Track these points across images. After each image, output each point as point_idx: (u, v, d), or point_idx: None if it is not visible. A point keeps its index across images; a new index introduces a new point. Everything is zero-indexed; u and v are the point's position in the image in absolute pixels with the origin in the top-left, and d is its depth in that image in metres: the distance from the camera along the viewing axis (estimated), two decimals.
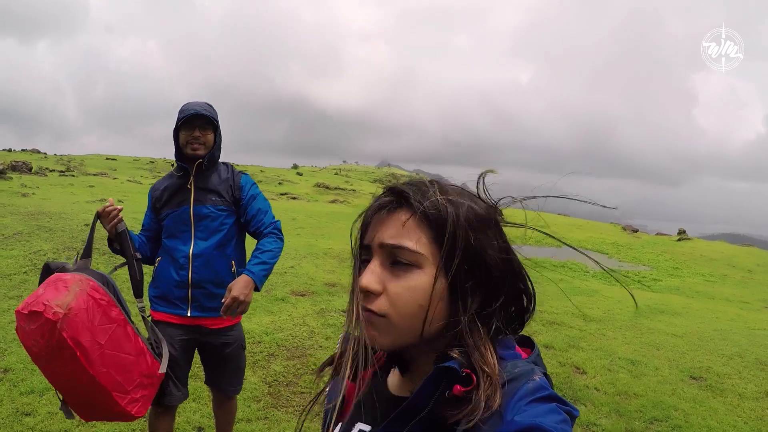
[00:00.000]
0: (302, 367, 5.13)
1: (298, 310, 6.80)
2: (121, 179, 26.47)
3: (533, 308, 0.99)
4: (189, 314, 3.05)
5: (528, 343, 1.01)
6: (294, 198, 30.23)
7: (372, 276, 0.91)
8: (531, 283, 0.98)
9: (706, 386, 6.29)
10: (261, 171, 46.00)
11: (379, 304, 0.90)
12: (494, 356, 0.90)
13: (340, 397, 0.99)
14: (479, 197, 0.98)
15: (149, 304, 3.13)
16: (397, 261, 0.91)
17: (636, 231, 27.91)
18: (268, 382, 4.76)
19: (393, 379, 1.04)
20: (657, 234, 29.55)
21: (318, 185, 39.61)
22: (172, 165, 3.38)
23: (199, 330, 3.10)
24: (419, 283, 0.90)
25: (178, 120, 3.05)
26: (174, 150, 3.15)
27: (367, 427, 1.00)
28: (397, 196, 0.94)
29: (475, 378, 0.86)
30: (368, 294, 0.91)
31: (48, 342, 2.26)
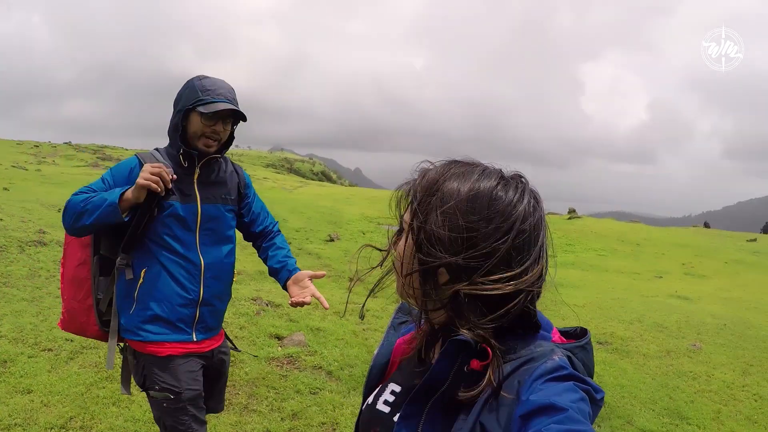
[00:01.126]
0: None
1: None
2: (5, 164, 24.50)
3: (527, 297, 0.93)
4: (194, 338, 2.56)
5: (580, 334, 1.02)
6: None
7: (395, 242, 1.05)
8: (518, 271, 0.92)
9: (612, 349, 6.66)
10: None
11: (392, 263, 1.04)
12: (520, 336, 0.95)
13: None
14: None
15: (124, 332, 2.55)
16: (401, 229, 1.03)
17: None
18: None
19: (437, 349, 1.06)
20: (549, 213, 30.65)
21: None
22: (157, 150, 2.61)
23: (203, 355, 2.62)
24: (401, 246, 1.01)
25: (197, 101, 2.41)
26: (171, 128, 2.52)
27: (398, 388, 1.08)
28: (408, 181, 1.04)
29: (491, 352, 0.90)
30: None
31: None
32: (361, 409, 1.13)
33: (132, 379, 2.63)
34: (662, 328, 7.74)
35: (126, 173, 2.48)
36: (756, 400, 5.49)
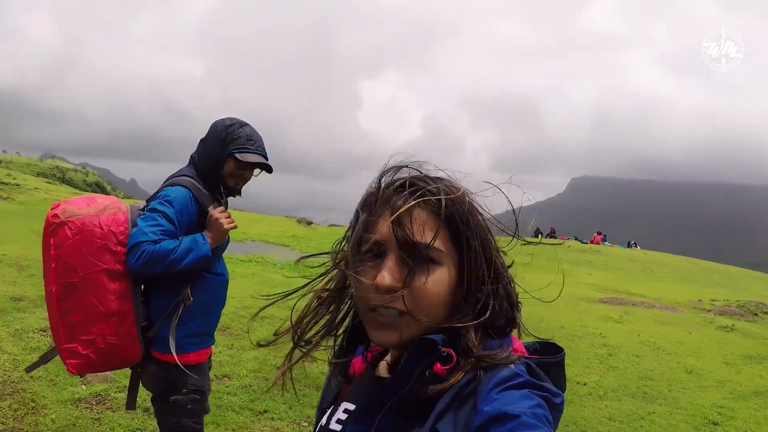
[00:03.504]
0: (20, 407, 4.28)
1: None
2: None
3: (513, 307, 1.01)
4: (215, 340, 3.04)
5: (552, 350, 1.02)
6: None
7: (392, 274, 0.91)
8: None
9: None
10: None
11: (402, 302, 0.91)
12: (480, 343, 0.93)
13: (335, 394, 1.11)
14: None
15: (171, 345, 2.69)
16: (420, 257, 0.92)
17: (310, 223, 29.47)
18: None
19: (383, 364, 1.08)
20: (330, 225, 31.34)
21: None
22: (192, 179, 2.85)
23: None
24: (442, 278, 0.93)
25: (239, 148, 2.81)
26: (210, 164, 2.84)
27: (352, 406, 1.03)
28: (412, 191, 0.94)
29: (455, 357, 0.89)
30: (389, 292, 0.91)
31: (44, 234, 2.51)
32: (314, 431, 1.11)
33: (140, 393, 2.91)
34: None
35: (188, 213, 2.71)
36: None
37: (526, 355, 0.98)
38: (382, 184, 0.99)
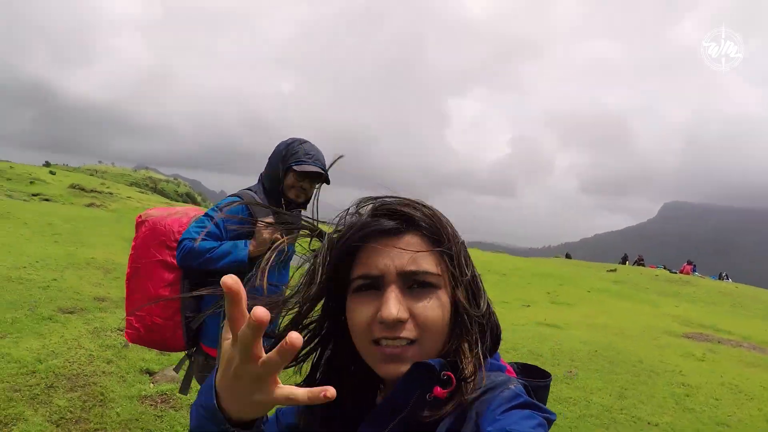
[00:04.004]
0: (89, 399, 4.45)
1: (69, 330, 5.98)
2: None
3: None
4: None
5: (533, 371, 1.05)
6: (47, 200, 27.39)
7: (399, 305, 0.90)
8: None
9: None
10: (10, 167, 40.42)
11: (410, 331, 0.91)
12: (480, 365, 0.93)
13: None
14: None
15: None
16: (418, 284, 0.93)
17: None
18: (54, 421, 4.05)
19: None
20: None
21: (74, 186, 36.10)
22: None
23: None
24: (443, 302, 0.93)
25: (297, 161, 2.96)
26: (270, 177, 3.03)
27: None
28: (403, 220, 0.95)
29: (454, 380, 0.89)
30: (397, 324, 0.90)
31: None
32: None
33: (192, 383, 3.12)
34: (537, 356, 7.92)
35: (237, 219, 2.86)
36: (635, 422, 5.68)
37: (514, 375, 1.00)
38: (363, 211, 0.99)
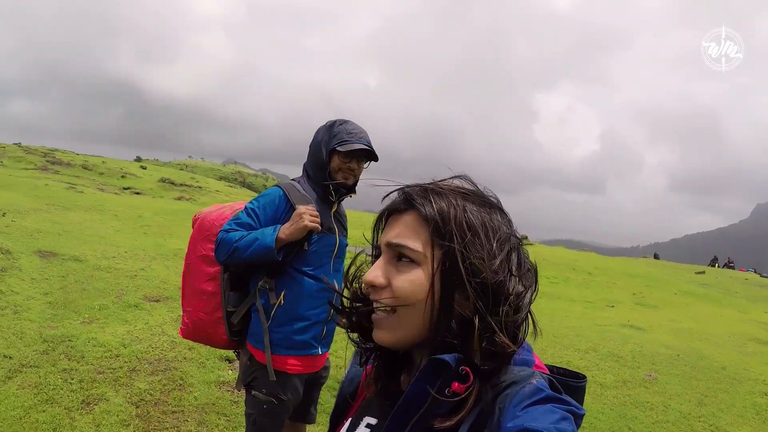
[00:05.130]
0: (169, 383, 4.65)
1: (154, 317, 6.25)
2: None
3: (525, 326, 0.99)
4: (320, 352, 2.95)
5: (573, 376, 1.02)
6: (138, 193, 28.54)
7: (376, 271, 0.98)
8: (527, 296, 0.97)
9: None
10: (103, 162, 42.19)
11: (384, 297, 0.96)
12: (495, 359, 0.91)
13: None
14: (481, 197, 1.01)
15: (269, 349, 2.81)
16: (401, 258, 0.97)
17: None
18: (134, 402, 4.26)
19: (406, 377, 1.06)
20: None
21: (163, 180, 37.47)
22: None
23: (314, 373, 3.03)
24: (418, 278, 0.95)
25: (340, 141, 2.82)
26: (314, 163, 2.89)
27: (374, 420, 1.04)
28: (406, 199, 1.00)
29: (472, 376, 0.89)
30: (374, 288, 0.98)
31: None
32: None
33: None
34: (617, 357, 7.72)
35: (274, 208, 2.78)
36: (713, 431, 5.50)
37: (547, 372, 0.99)
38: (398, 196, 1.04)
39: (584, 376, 1.02)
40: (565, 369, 1.03)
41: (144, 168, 46.91)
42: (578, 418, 0.86)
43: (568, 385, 0.98)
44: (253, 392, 2.80)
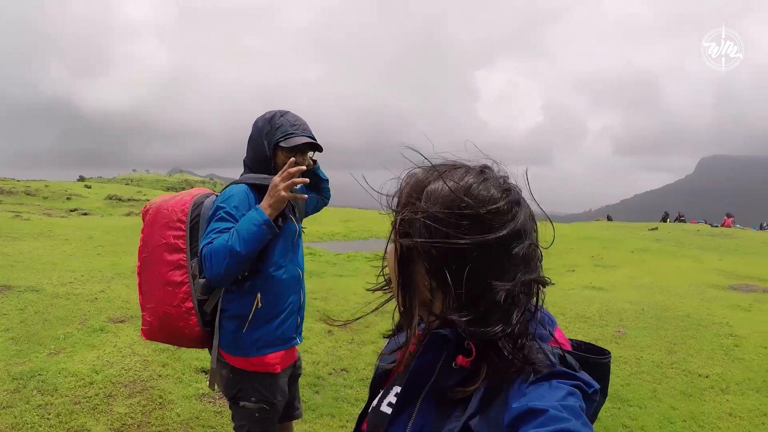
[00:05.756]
0: (149, 403, 4.56)
1: (121, 339, 6.11)
2: None
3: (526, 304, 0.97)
4: (299, 341, 2.92)
5: (596, 351, 1.00)
6: (86, 214, 27.84)
7: (388, 243, 1.03)
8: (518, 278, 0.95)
9: None
10: (46, 186, 40.95)
11: (386, 268, 1.06)
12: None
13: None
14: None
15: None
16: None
17: None
18: (116, 429, 4.15)
19: None
20: None
21: (110, 197, 36.68)
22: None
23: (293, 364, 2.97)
24: (390, 250, 1.01)
25: (284, 135, 2.72)
26: (255, 158, 2.77)
27: (400, 389, 1.02)
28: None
29: (474, 350, 0.90)
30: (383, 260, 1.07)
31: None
32: (366, 411, 1.15)
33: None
34: (585, 318, 7.95)
35: (246, 205, 2.62)
36: (686, 375, 5.75)
37: (567, 347, 0.97)
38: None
39: (608, 352, 1.00)
40: (590, 344, 1.01)
41: (89, 187, 45.80)
42: (587, 396, 0.85)
43: (588, 360, 0.95)
44: (242, 403, 2.69)
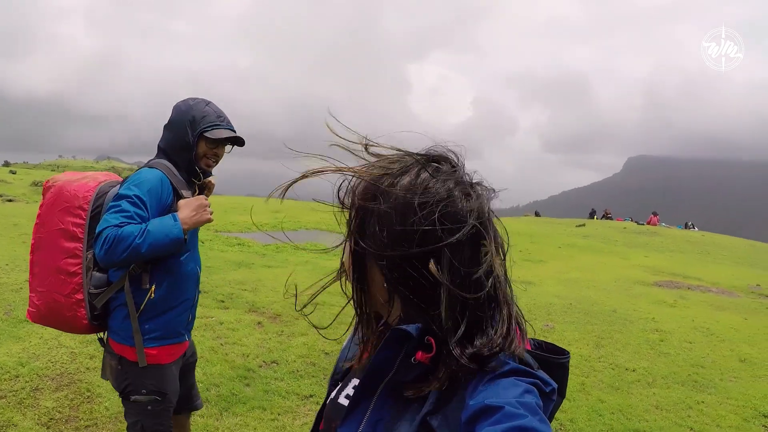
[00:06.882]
0: (76, 397, 4.45)
1: (48, 330, 5.88)
2: None
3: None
4: (187, 338, 2.87)
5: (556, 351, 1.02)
6: (11, 200, 26.82)
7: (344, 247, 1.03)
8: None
9: None
10: None
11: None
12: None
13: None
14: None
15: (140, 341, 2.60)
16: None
17: None
18: (44, 423, 4.05)
19: None
20: None
21: (36, 184, 35.44)
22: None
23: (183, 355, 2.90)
24: (347, 250, 1.01)
25: (209, 125, 2.69)
26: (175, 145, 2.70)
27: (358, 381, 1.06)
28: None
29: (435, 346, 0.89)
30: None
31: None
32: (325, 403, 1.16)
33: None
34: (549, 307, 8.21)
35: (158, 194, 2.54)
36: (613, 368, 5.97)
37: (527, 346, 0.98)
38: None
39: (567, 352, 1.01)
40: (549, 344, 1.03)
41: (14, 173, 44.08)
42: (544, 395, 0.86)
43: (547, 360, 0.97)
44: (133, 398, 2.61)
